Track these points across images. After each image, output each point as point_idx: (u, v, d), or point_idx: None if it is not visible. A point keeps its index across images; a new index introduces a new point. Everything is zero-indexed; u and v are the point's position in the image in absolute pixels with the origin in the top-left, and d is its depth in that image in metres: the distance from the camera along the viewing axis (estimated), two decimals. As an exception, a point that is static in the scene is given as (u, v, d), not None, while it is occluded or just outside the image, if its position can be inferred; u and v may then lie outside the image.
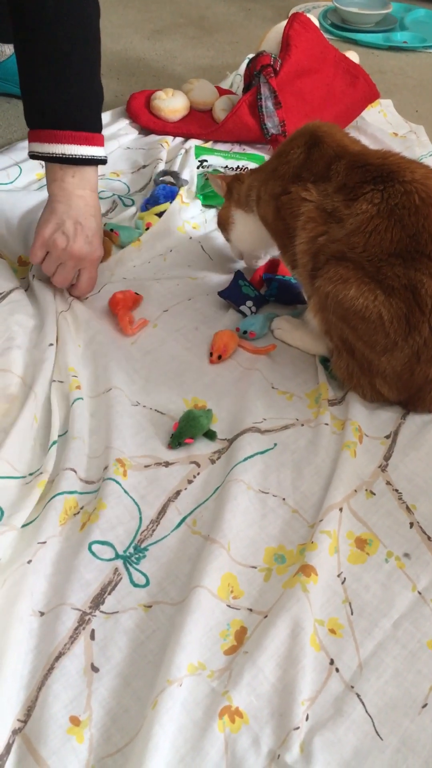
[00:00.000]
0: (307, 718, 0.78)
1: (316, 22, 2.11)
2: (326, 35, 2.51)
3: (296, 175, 1.15)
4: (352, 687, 0.81)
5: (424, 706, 0.80)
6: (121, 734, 0.76)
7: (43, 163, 1.57)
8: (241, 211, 1.29)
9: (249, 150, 1.84)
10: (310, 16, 1.95)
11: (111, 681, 0.80)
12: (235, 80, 2.14)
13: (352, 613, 0.88)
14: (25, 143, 1.61)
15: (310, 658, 0.82)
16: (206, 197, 1.62)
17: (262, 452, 1.06)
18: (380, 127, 1.96)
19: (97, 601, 0.87)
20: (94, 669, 0.81)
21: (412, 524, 0.98)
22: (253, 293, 1.32)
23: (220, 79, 2.19)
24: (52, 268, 1.24)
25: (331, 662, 0.83)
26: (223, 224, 1.35)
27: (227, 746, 0.75)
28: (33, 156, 1.22)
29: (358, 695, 0.80)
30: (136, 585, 0.89)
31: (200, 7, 2.80)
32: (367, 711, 0.79)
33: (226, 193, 1.35)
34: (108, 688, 0.80)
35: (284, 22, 1.84)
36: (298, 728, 0.76)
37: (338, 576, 0.92)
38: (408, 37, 2.59)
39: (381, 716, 0.79)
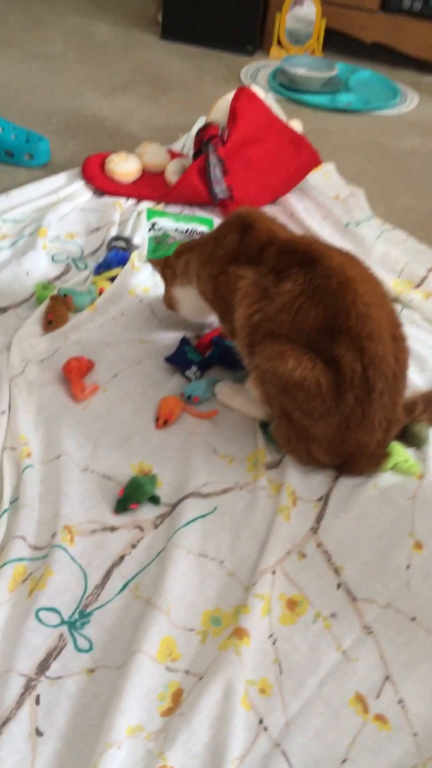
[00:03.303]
0: (236, 776, 0.85)
1: (265, 84, 2.22)
2: (275, 94, 2.66)
3: (233, 258, 1.24)
4: (279, 744, 0.88)
5: (344, 761, 0.87)
6: (63, 797, 0.82)
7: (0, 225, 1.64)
8: (179, 287, 1.39)
9: (198, 212, 1.93)
10: (256, 86, 2.07)
11: (54, 744, 0.86)
12: (186, 143, 2.24)
13: (281, 673, 0.95)
14: None
15: (241, 717, 0.89)
16: (156, 260, 1.70)
17: (202, 516, 1.13)
18: (323, 190, 2.07)
19: (43, 666, 0.93)
20: (39, 733, 0.86)
21: (339, 585, 1.06)
22: (197, 358, 1.40)
23: (173, 139, 2.30)
24: None
25: (260, 721, 0.90)
26: (170, 306, 1.44)
27: (162, 805, 0.81)
28: None
29: (284, 753, 0.87)
30: (80, 650, 0.95)
31: (155, 64, 2.92)
32: (291, 767, 0.86)
33: (162, 278, 1.44)
34: (52, 752, 0.85)
35: (232, 93, 1.95)
36: (228, 786, 0.83)
37: (269, 637, 0.99)
38: (352, 98, 2.74)
39: (304, 772, 0.86)
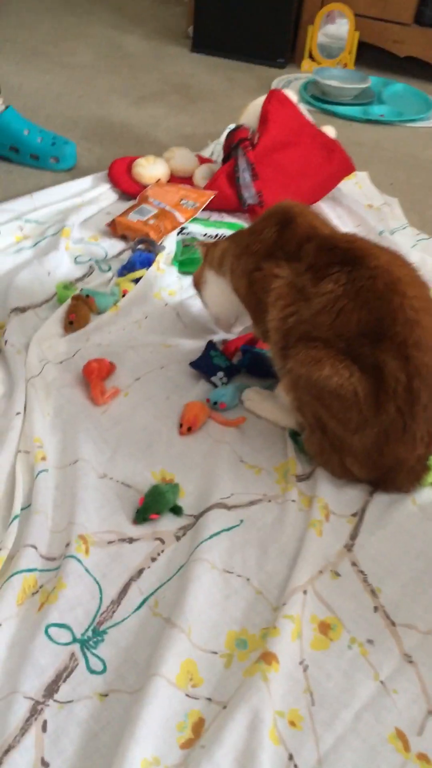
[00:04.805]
0: None
1: (296, 95, 2.17)
2: (306, 106, 2.60)
3: (269, 253, 1.17)
4: (311, 785, 0.79)
5: (384, 806, 0.78)
6: None
7: (22, 225, 1.61)
8: (213, 273, 1.32)
9: (227, 218, 1.87)
10: (289, 90, 2.01)
11: (61, 777, 0.77)
12: (215, 149, 2.19)
13: (313, 704, 0.86)
14: (7, 205, 1.66)
15: (269, 752, 0.80)
16: (182, 264, 1.64)
17: (228, 529, 1.05)
18: (356, 198, 2.01)
19: (51, 689, 0.84)
20: (45, 764, 0.78)
21: (376, 608, 0.97)
22: (224, 363, 1.33)
23: (201, 146, 2.25)
24: None
25: (290, 757, 0.81)
26: (197, 284, 1.38)
27: None
28: None
29: (317, 794, 0.78)
30: (92, 671, 0.87)
31: (185, 75, 2.88)
32: None
33: (204, 257, 1.37)
34: (57, 785, 0.77)
35: (263, 97, 1.90)
36: None
37: (300, 663, 0.90)
38: (385, 110, 2.68)
39: None
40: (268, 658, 0.87)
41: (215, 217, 1.88)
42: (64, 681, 0.85)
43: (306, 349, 1.08)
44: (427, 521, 1.09)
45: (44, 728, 0.81)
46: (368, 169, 2.22)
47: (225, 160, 1.90)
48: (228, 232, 1.77)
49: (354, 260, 1.07)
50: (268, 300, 1.15)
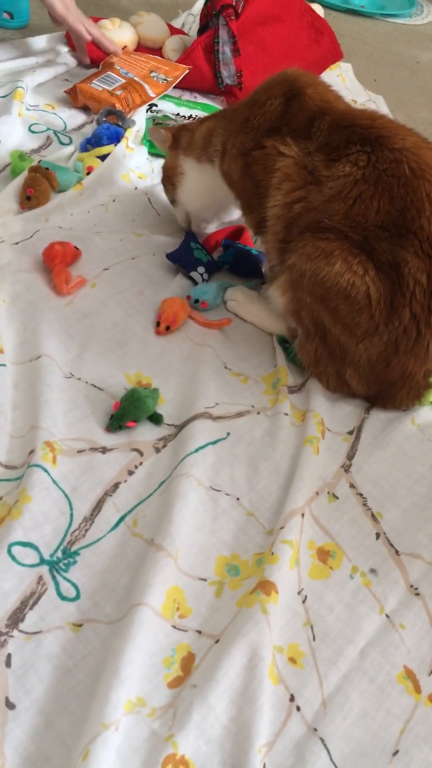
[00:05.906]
0: (264, 768, 0.66)
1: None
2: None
3: (272, 128, 1.00)
4: (315, 729, 0.70)
5: (395, 753, 0.70)
6: (42, 792, 0.62)
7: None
8: (193, 160, 1.13)
9: (201, 99, 1.67)
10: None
11: (30, 720, 0.65)
12: (187, 20, 1.95)
13: (314, 639, 0.77)
14: None
15: (269, 693, 0.70)
16: (153, 145, 1.44)
17: (213, 442, 0.92)
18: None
19: (16, 617, 0.71)
20: (10, 705, 0.66)
21: (378, 535, 0.88)
22: (205, 258, 1.17)
23: (171, 17, 1.99)
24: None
25: (291, 698, 0.72)
26: (169, 177, 1.18)
27: (171, 805, 0.63)
28: None
29: (322, 740, 0.69)
30: (64, 598, 0.74)
31: None
32: (332, 759, 0.68)
33: (171, 144, 1.18)
34: (26, 730, 0.65)
35: (250, -40, 1.66)
36: (254, 781, 0.65)
37: (299, 593, 0.80)
38: (366, 2, 2.47)
39: (347, 765, 0.68)
40: (266, 587, 0.76)
41: (187, 96, 1.67)
42: (31, 608, 0.72)
43: (314, 241, 0.93)
44: (427, 442, 1.00)
45: (8, 663, 0.68)
46: (350, 63, 2.03)
47: (201, 32, 1.68)
48: (203, 115, 1.58)
49: (376, 140, 0.93)
50: (271, 182, 0.99)
